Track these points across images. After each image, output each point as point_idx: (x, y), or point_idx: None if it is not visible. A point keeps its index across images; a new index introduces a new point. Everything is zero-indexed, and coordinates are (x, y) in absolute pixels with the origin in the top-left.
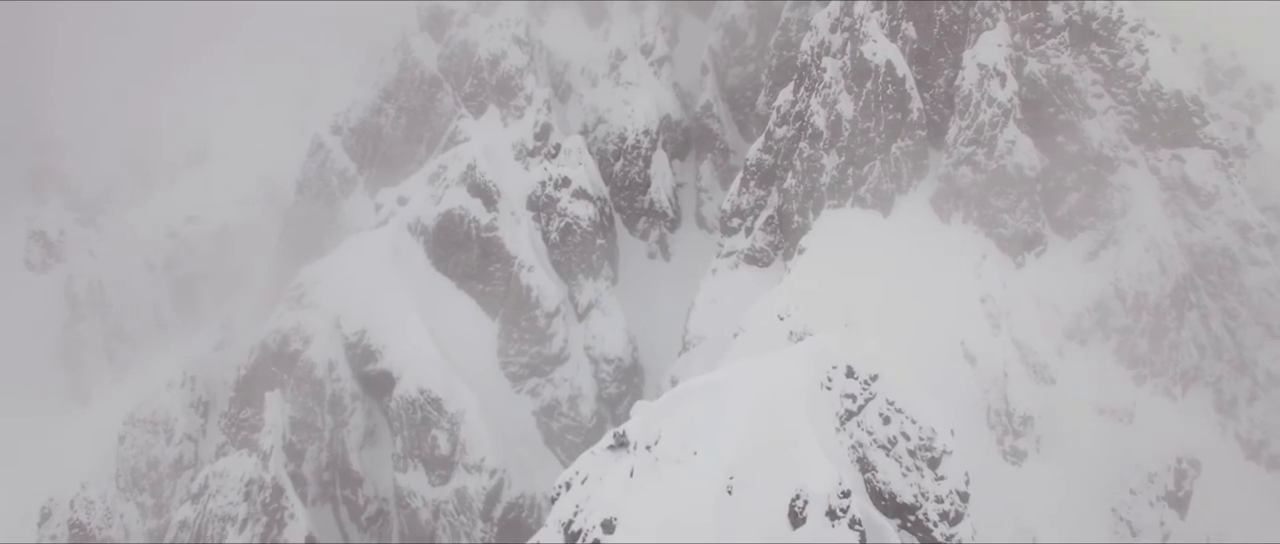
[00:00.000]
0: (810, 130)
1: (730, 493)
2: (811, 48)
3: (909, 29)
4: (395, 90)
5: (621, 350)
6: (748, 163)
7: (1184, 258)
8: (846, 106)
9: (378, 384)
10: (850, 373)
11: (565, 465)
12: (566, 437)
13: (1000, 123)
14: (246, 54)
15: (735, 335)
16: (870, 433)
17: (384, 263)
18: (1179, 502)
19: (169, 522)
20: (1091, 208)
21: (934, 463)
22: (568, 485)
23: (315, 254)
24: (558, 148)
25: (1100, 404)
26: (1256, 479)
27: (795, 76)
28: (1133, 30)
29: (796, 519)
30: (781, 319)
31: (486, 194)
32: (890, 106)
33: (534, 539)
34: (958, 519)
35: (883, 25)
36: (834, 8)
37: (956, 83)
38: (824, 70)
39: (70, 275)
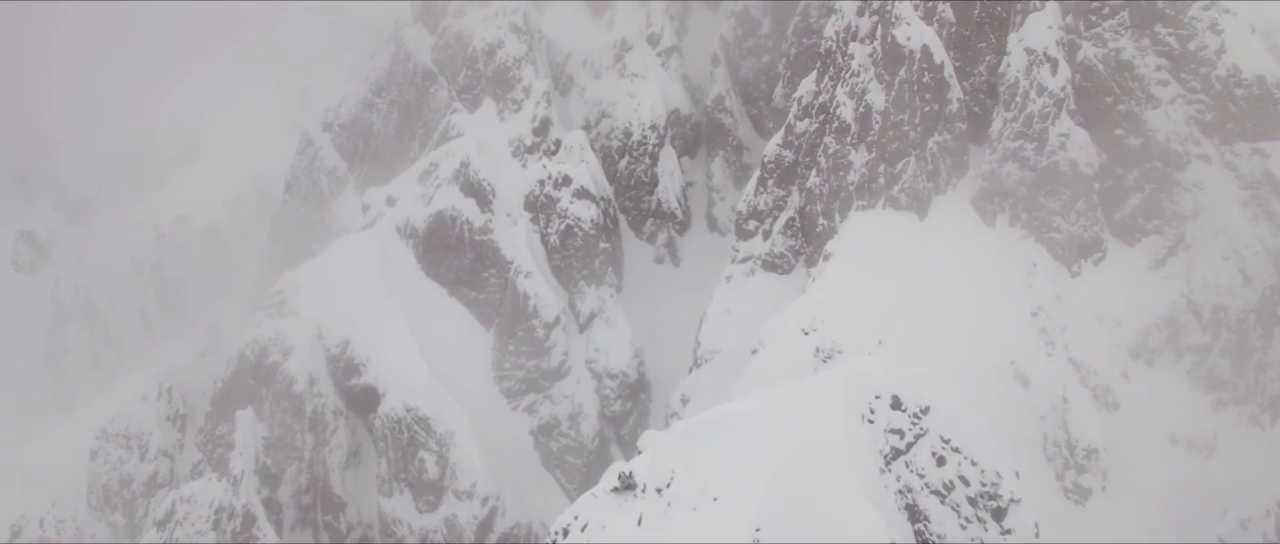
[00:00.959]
0: (836, 124)
1: None
2: (837, 33)
3: (946, 11)
4: (387, 84)
5: (626, 364)
6: (766, 160)
7: (1272, 266)
8: (877, 97)
9: (362, 400)
10: (896, 403)
11: (565, 490)
12: (566, 458)
13: (1051, 114)
14: (243, 51)
15: (754, 352)
16: (921, 476)
17: (370, 268)
18: None
19: None
20: (1157, 209)
21: (999, 513)
22: (565, 532)
23: (303, 257)
24: (558, 144)
25: (1173, 434)
26: None
27: (818, 65)
28: (1205, 8)
29: None
30: (806, 334)
31: (481, 194)
32: (926, 97)
33: None
34: None
35: (917, 7)
36: None
37: (1001, 70)
38: (851, 57)
39: (58, 278)
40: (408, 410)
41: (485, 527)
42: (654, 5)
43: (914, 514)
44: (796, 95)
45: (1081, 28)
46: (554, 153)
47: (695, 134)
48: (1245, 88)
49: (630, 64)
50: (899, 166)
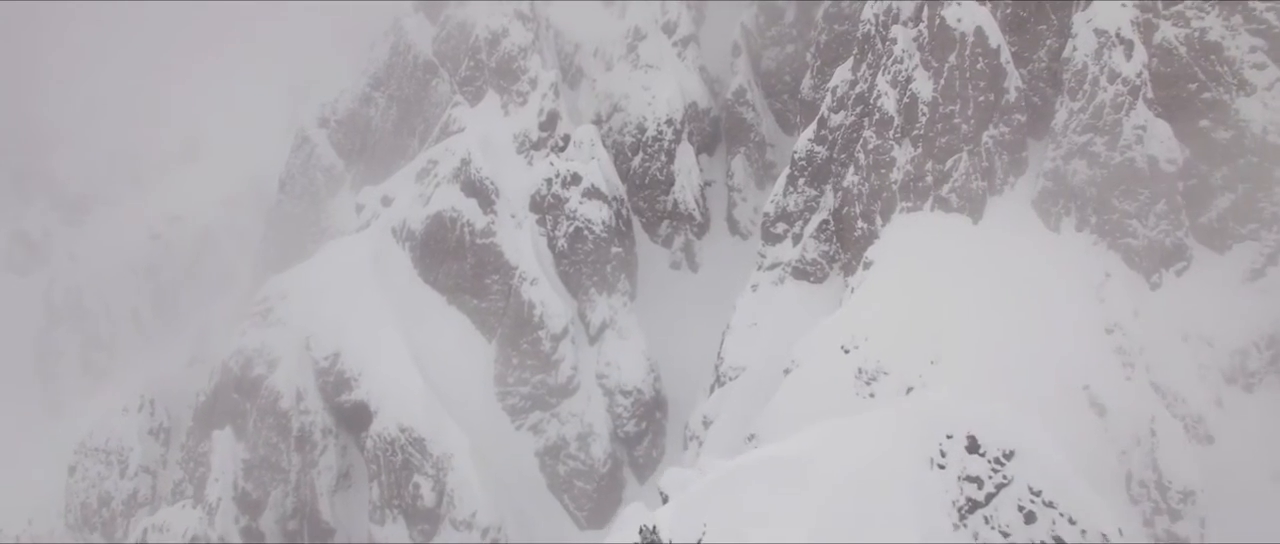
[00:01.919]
0: (877, 116)
1: None
2: (876, 16)
3: None
4: (386, 77)
5: (641, 380)
6: (796, 156)
7: None
8: (924, 86)
9: (353, 417)
10: (973, 446)
11: (573, 517)
12: (575, 483)
13: (1125, 104)
14: (242, 47)
15: (787, 372)
16: (1005, 534)
17: (362, 274)
18: None
19: None
20: (1252, 212)
21: None
22: None
23: (298, 260)
24: (566, 139)
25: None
26: None
27: (855, 52)
28: None
29: None
30: (846, 352)
31: (483, 193)
32: (980, 85)
33: None
34: None
35: None
36: None
37: (1065, 55)
38: (893, 42)
39: (51, 279)
40: (402, 430)
41: None
42: None
43: None
44: (830, 85)
45: (1159, 6)
46: (562, 149)
47: (714, 130)
48: None
49: (644, 54)
50: (949, 164)
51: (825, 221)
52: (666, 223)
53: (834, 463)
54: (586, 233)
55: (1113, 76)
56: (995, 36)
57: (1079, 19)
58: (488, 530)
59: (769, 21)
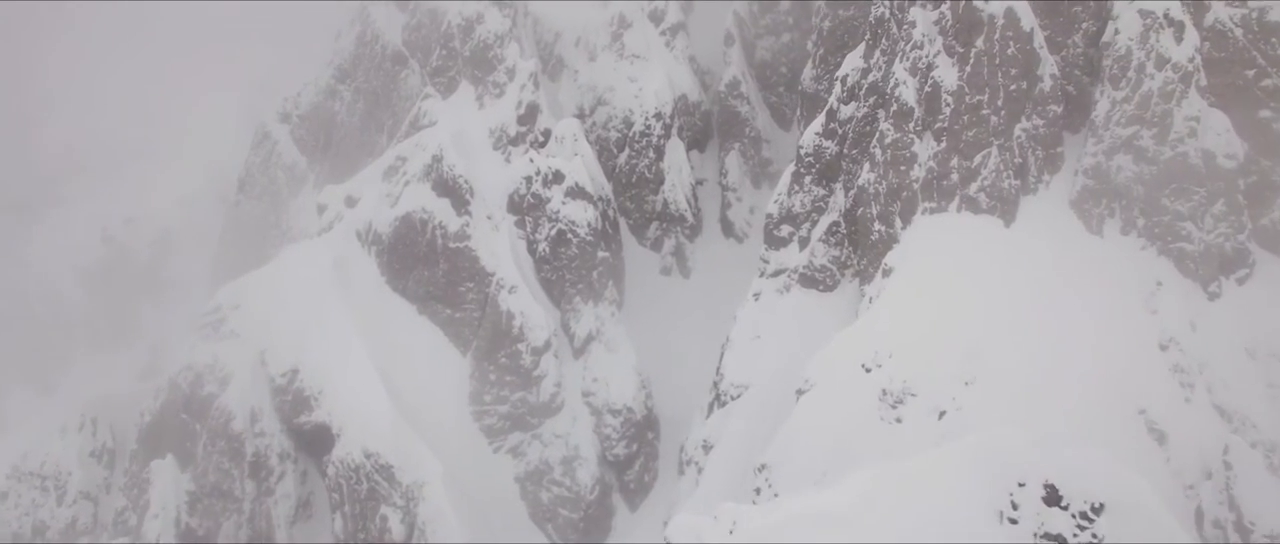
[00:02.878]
0: (895, 107)
1: None
2: None
3: None
4: (352, 69)
5: (632, 398)
6: (802, 151)
7: None
8: (947, 73)
9: (313, 441)
10: (1053, 498)
11: None
12: (560, 512)
13: (1176, 93)
14: (204, 39)
15: (800, 393)
16: None
17: (323, 281)
18: None
19: None
20: None
21: None
22: None
23: (258, 265)
24: (547, 134)
25: None
26: None
27: (867, 37)
28: None
29: None
30: (868, 371)
31: (456, 192)
32: (1011, 72)
33: None
34: None
35: None
36: None
37: (1105, 39)
38: (912, 25)
39: None
40: (367, 456)
41: None
42: None
43: None
44: (839, 74)
45: None
46: (543, 145)
47: (705, 124)
48: None
49: (630, 44)
50: (977, 159)
51: (835, 223)
52: (656, 224)
53: (887, 519)
54: (570, 236)
55: (1161, 62)
56: (1028, 19)
57: (1121, 1)
58: None
59: (763, 9)
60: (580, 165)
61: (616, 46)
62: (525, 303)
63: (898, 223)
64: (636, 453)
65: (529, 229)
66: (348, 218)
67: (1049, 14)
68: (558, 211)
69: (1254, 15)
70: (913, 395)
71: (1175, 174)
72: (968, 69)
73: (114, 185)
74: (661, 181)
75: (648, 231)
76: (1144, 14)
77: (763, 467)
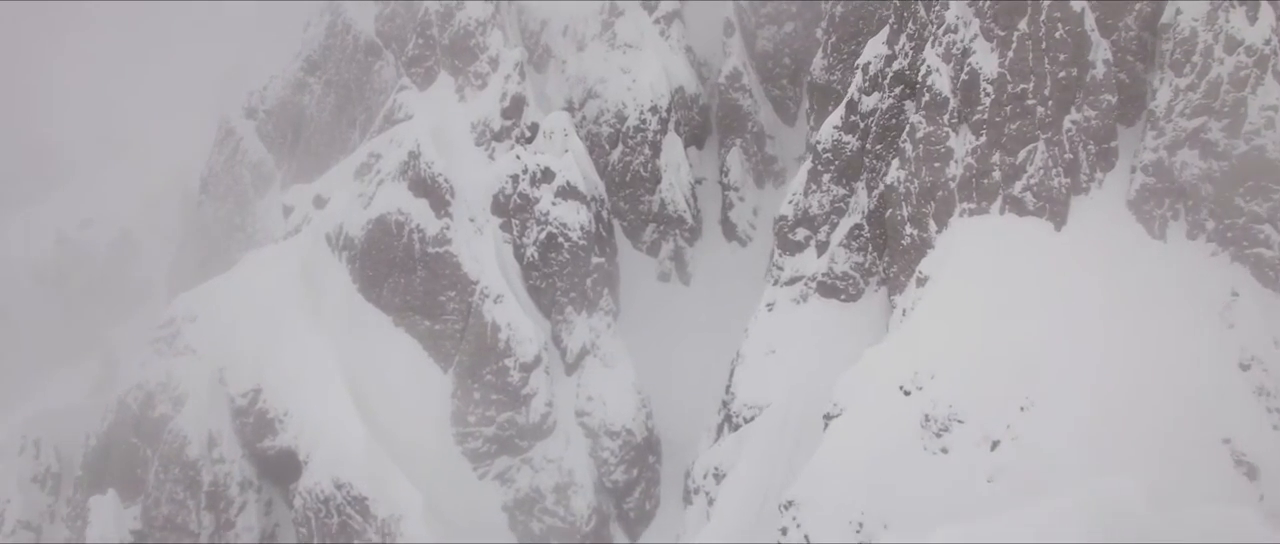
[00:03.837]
0: (927, 97)
1: None
2: None
3: None
4: (322, 60)
5: (631, 418)
6: (819, 147)
7: None
8: (986, 60)
9: (278, 468)
10: None
11: None
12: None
13: (1250, 79)
14: (168, 32)
15: (828, 418)
16: None
17: (290, 289)
18: None
19: None
20: None
21: None
22: None
23: (221, 271)
24: (534, 129)
25: None
26: None
27: (891, 20)
28: None
29: None
30: (907, 394)
31: (435, 192)
32: (1059, 58)
33: None
34: None
35: None
36: None
37: (1164, 20)
38: (944, 7)
39: None
40: (338, 487)
41: None
42: None
43: None
44: (859, 62)
45: None
46: (529, 140)
47: (703, 119)
48: None
49: (622, 33)
50: (1022, 155)
51: (858, 226)
52: (652, 227)
53: None
54: (561, 240)
55: (1232, 45)
56: None
57: None
58: None
59: None
60: (571, 162)
61: (607, 35)
62: (512, 313)
63: (932, 226)
64: (637, 478)
65: (516, 232)
66: (316, 220)
67: None
68: (547, 213)
69: None
70: (960, 422)
71: (1250, 170)
72: (1009, 54)
73: (71, 185)
74: (658, 180)
75: (643, 234)
76: None
77: (790, 504)
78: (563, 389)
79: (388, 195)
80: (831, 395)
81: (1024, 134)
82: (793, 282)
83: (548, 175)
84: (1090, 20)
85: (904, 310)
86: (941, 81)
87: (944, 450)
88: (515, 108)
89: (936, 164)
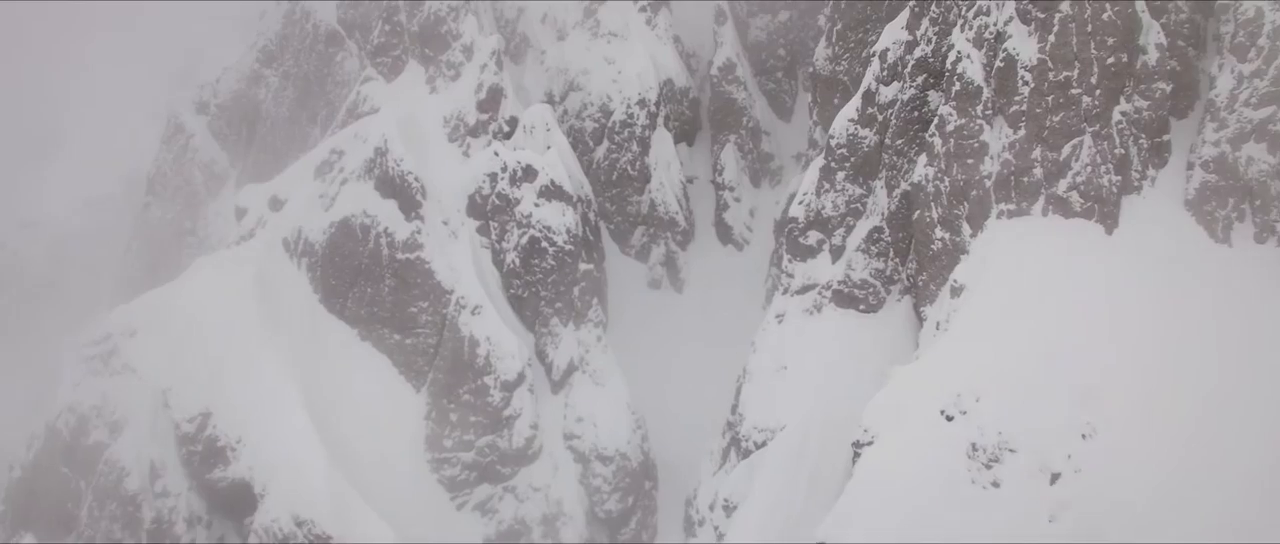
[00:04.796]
0: (958, 86)
1: None
2: None
3: None
4: (279, 51)
5: (625, 441)
6: (833, 142)
7: None
8: (1024, 45)
9: (231, 501)
10: None
11: None
12: None
13: None
14: (117, 24)
15: (859, 446)
16: None
17: (243, 301)
18: None
19: None
20: None
21: None
22: None
23: (169, 279)
24: (513, 123)
25: None
26: None
27: (911, 3)
28: None
29: None
30: (950, 419)
31: (405, 192)
32: (1107, 42)
33: None
34: None
35: None
36: None
37: (1222, 0)
38: None
39: None
40: (299, 524)
41: None
42: None
43: None
44: (877, 49)
45: None
46: (508, 135)
47: (693, 114)
48: None
49: (605, 20)
50: (1066, 150)
51: (877, 229)
52: (642, 230)
53: None
54: (545, 244)
55: None
56: None
57: None
58: None
59: None
60: (555, 159)
61: (590, 23)
62: (492, 326)
63: (965, 229)
64: (633, 507)
65: (494, 236)
66: (273, 223)
67: None
68: (529, 215)
69: None
70: (1012, 451)
71: None
72: (1050, 39)
73: (9, 188)
74: (647, 179)
75: (632, 238)
76: None
77: None
78: (549, 409)
79: (352, 196)
80: (861, 420)
81: (1068, 127)
82: (805, 290)
83: (529, 173)
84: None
85: (938, 324)
86: (973, 69)
87: (995, 484)
88: (492, 100)
89: (970, 160)
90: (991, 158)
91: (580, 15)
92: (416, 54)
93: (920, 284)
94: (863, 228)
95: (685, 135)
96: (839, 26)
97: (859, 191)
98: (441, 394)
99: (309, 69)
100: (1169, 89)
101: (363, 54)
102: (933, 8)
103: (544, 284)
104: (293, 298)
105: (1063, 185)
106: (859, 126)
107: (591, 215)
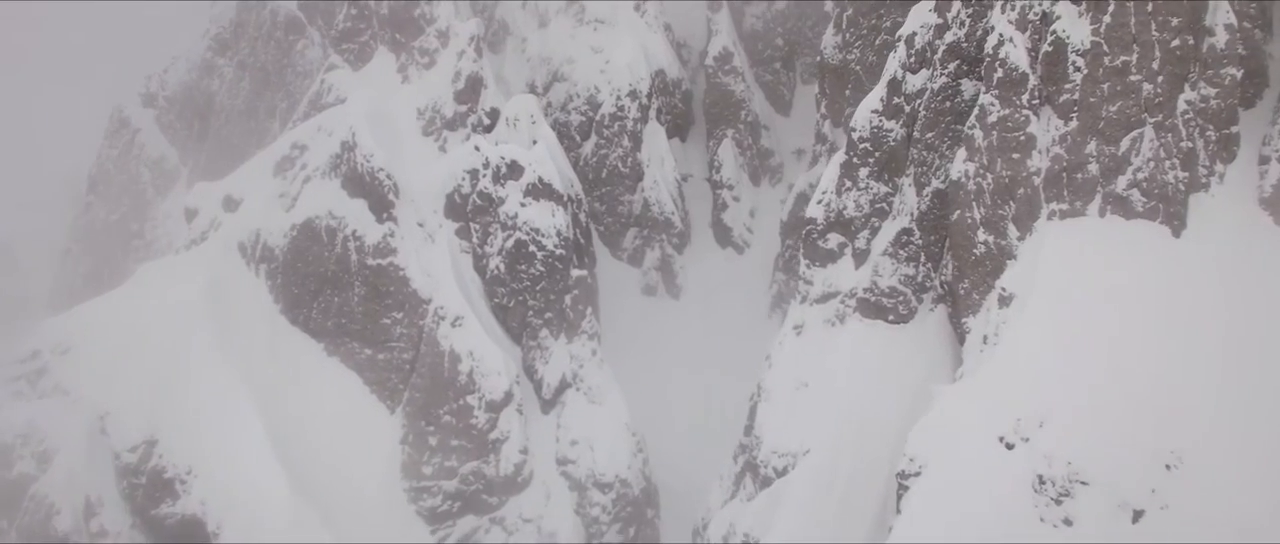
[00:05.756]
0: (1000, 73)
1: None
2: None
3: None
4: (234, 39)
5: (625, 465)
6: (855, 135)
7: None
8: (1075, 26)
9: (181, 540)
10: None
11: None
12: None
13: None
14: (55, 14)
15: (905, 477)
16: None
17: (193, 312)
18: None
19: None
20: None
21: None
22: None
23: (113, 286)
24: (494, 115)
25: None
26: None
27: None
28: None
29: None
30: (1010, 447)
31: (375, 191)
32: (1171, 23)
33: None
34: None
35: None
36: None
37: None
38: None
39: None
40: None
41: None
42: None
43: None
44: (904, 33)
45: None
46: (489, 128)
47: (686, 107)
48: None
49: (592, 7)
50: (1125, 144)
51: (906, 231)
52: (634, 231)
53: None
54: (533, 248)
55: None
56: None
57: None
58: None
59: None
60: (543, 154)
61: (575, 9)
62: (476, 339)
63: (1012, 231)
64: (635, 538)
65: (476, 240)
66: (228, 225)
67: None
68: (515, 216)
69: None
70: (1084, 484)
71: None
72: (1105, 20)
73: None
74: (640, 177)
75: (623, 241)
76: None
77: None
78: (540, 431)
79: (316, 195)
80: (905, 448)
81: (1127, 117)
82: (825, 299)
83: (515, 170)
84: None
85: (984, 337)
86: (1017, 54)
87: (1067, 522)
88: (471, 90)
89: (1015, 155)
90: (1040, 152)
91: (563, 2)
92: (386, 40)
93: (962, 293)
94: (889, 230)
95: (677, 130)
96: (849, 12)
97: (884, 189)
98: (419, 416)
99: (267, 58)
100: (1239, 75)
101: (326, 41)
102: None
103: (532, 292)
104: (250, 309)
105: (1122, 183)
106: (884, 118)
107: (582, 216)
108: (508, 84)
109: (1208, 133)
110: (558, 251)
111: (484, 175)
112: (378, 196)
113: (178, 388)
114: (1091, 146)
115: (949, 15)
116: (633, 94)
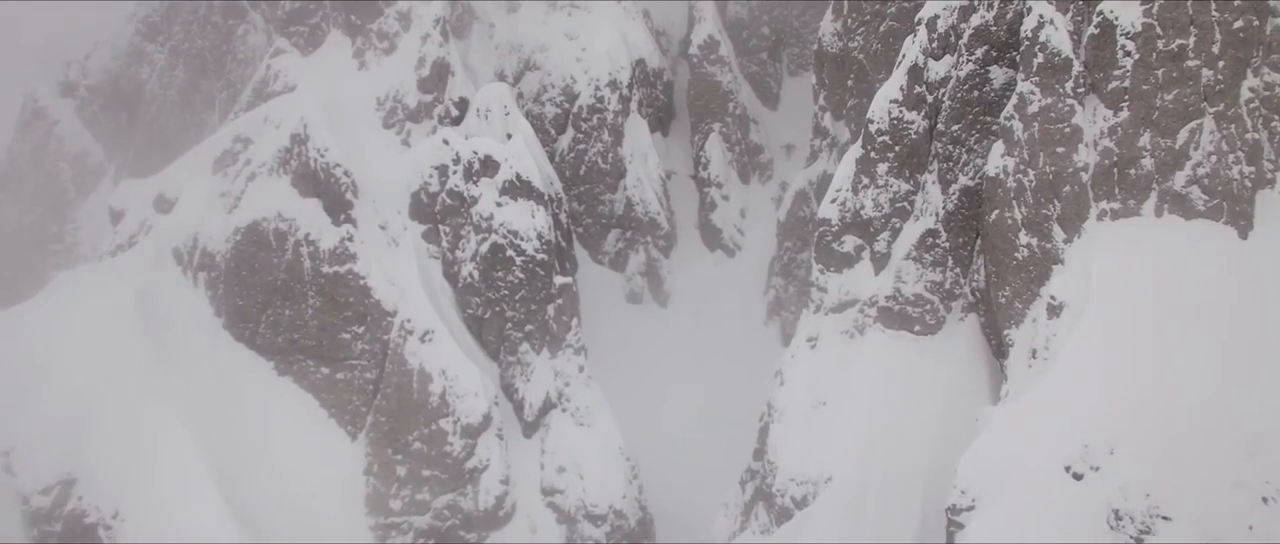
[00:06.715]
0: (1039, 58)
1: None
2: None
3: None
4: (165, 23)
5: (620, 494)
6: (872, 127)
7: None
8: (1125, 6)
9: None
10: None
11: None
12: None
13: None
14: None
15: (956, 512)
16: None
17: (120, 326)
18: None
19: None
20: None
21: None
22: None
23: (22, 297)
24: (464, 105)
25: None
26: None
27: None
28: None
29: None
30: (1079, 477)
31: (331, 190)
32: (1231, 4)
33: None
34: None
35: None
36: None
37: None
38: None
39: None
40: None
41: None
42: None
43: None
44: (925, 16)
45: None
46: (458, 119)
47: (667, 99)
48: None
49: None
50: (1182, 136)
51: (931, 233)
52: (616, 234)
53: None
54: (511, 253)
55: None
56: None
57: None
58: None
59: None
60: (521, 148)
61: None
62: (448, 356)
63: (1057, 233)
64: None
65: (446, 244)
66: (160, 228)
67: None
68: (490, 217)
69: None
70: (1167, 519)
71: None
72: (1159, 1)
73: None
74: (622, 174)
75: (604, 244)
76: None
77: None
78: (522, 458)
79: (263, 194)
80: (956, 480)
81: (1184, 107)
82: (842, 308)
83: (489, 166)
84: None
85: (1033, 351)
86: (1059, 37)
87: None
88: (437, 77)
89: (1059, 149)
90: (1087, 145)
91: None
92: (340, 23)
93: (1001, 301)
94: (912, 231)
95: (659, 124)
96: None
97: (906, 187)
98: (385, 443)
99: (203, 43)
100: None
101: (271, 25)
102: None
103: (510, 302)
104: (187, 323)
105: (1180, 179)
106: (904, 109)
107: (563, 217)
108: (475, 73)
109: (1274, 123)
110: (539, 256)
111: (454, 172)
112: (334, 195)
113: (101, 417)
114: (1145, 139)
115: None
116: (613, 84)
